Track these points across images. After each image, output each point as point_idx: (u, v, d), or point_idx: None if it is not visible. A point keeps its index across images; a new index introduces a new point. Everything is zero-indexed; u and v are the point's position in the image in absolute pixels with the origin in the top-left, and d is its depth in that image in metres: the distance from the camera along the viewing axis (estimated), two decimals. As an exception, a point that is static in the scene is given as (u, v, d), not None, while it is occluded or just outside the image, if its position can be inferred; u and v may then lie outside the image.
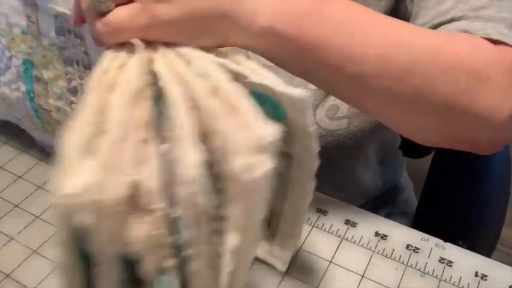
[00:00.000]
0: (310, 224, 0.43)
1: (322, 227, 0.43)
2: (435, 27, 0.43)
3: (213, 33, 0.33)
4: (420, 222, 0.64)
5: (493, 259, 0.41)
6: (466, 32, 0.40)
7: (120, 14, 0.32)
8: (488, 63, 0.38)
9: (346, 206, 0.45)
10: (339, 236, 0.42)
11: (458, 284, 0.38)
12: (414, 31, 0.38)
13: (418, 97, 0.37)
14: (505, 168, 0.62)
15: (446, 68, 0.36)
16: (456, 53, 0.37)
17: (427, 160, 0.69)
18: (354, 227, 0.43)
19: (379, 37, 0.36)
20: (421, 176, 0.69)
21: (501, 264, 0.40)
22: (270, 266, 0.40)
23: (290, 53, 0.35)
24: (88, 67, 0.41)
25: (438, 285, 0.38)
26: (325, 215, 0.44)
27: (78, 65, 0.42)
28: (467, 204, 0.60)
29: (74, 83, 0.42)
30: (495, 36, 0.39)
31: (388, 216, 0.47)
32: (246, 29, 0.34)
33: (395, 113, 0.39)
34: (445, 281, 0.39)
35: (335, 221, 0.44)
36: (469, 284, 0.39)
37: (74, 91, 0.43)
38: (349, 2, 0.37)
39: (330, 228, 0.43)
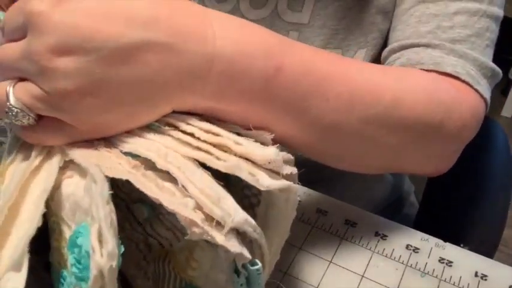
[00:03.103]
0: (310, 224, 0.43)
1: (322, 227, 0.43)
2: (407, 47, 0.44)
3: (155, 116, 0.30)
4: (422, 225, 0.64)
5: (495, 260, 0.41)
6: (437, 64, 0.41)
7: (48, 136, 0.29)
8: (444, 112, 0.38)
9: (346, 206, 0.45)
10: (338, 236, 0.42)
11: (458, 284, 0.38)
12: (372, 87, 0.36)
13: (366, 152, 0.38)
14: (506, 170, 0.62)
15: (399, 126, 0.37)
16: (412, 108, 0.36)
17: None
18: (354, 227, 0.43)
19: (331, 106, 0.34)
20: (421, 178, 0.69)
21: (501, 264, 0.40)
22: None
23: (237, 120, 0.32)
24: None
25: (438, 285, 0.38)
26: (325, 215, 0.44)
27: None
28: (468, 207, 0.60)
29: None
30: (463, 77, 0.40)
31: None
32: (190, 106, 0.31)
33: (343, 164, 0.40)
34: (445, 281, 0.39)
35: (335, 221, 0.44)
36: (469, 284, 0.38)
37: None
38: (309, 58, 0.33)
39: (330, 228, 0.43)
